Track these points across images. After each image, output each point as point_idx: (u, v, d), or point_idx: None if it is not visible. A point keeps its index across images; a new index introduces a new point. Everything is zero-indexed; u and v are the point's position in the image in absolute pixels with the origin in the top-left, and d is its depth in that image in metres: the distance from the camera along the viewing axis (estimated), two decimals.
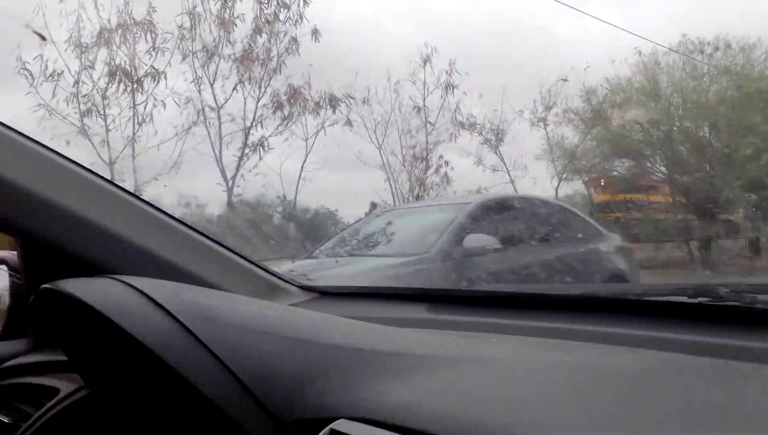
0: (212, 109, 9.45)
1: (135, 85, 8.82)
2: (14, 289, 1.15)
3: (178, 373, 0.52)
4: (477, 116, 11.00)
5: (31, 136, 0.85)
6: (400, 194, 10.59)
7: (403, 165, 10.72)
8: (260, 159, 9.49)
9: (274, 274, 1.02)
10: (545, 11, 11.43)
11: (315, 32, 9.46)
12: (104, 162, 8.81)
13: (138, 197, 0.94)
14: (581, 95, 11.39)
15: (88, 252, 0.84)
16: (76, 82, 8.64)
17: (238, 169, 9.60)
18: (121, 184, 0.93)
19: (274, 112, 9.61)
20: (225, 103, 9.50)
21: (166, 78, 8.98)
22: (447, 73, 10.52)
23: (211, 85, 9.39)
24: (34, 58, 8.35)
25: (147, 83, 8.86)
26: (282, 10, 9.53)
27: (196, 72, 9.26)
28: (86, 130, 8.78)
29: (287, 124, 9.70)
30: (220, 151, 9.62)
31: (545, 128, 11.63)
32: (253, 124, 9.57)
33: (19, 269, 1.08)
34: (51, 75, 8.45)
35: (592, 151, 11.84)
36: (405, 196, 10.54)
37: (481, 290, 1.16)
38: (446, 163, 10.70)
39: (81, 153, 8.41)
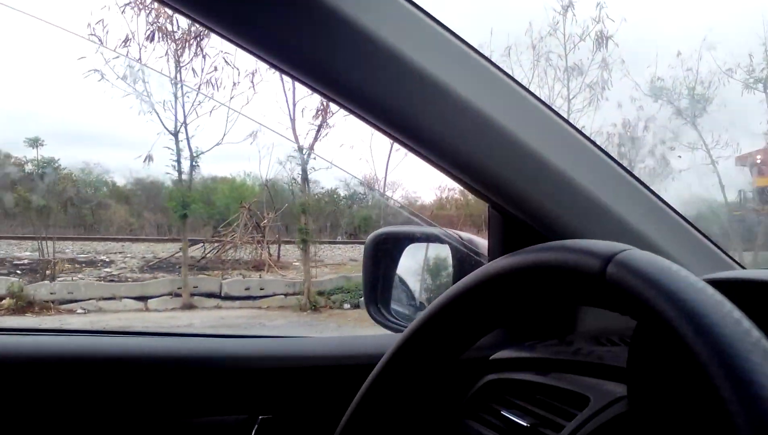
0: None
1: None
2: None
3: None
4: (666, 79, 8.60)
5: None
6: None
7: None
8: None
9: (731, 258, 0.95)
10: None
11: None
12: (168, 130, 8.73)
13: (614, 160, 0.89)
14: None
15: (580, 228, 0.84)
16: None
17: None
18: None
19: None
20: None
21: None
22: (595, 20, 8.36)
23: None
24: (97, 22, 8.07)
25: None
26: None
27: None
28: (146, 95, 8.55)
29: None
30: None
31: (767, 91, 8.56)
32: None
33: (488, 248, 1.01)
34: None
35: None
36: None
37: None
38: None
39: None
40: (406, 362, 0.65)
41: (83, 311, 8.83)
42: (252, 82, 8.34)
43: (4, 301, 8.61)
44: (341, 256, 12.88)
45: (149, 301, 9.30)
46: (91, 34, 8.38)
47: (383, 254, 1.21)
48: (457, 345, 0.63)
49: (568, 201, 0.85)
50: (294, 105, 8.43)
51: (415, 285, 1.28)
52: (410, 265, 1.24)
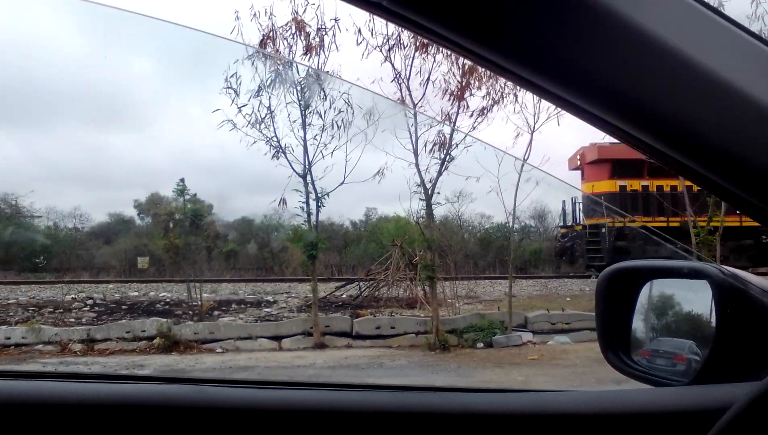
0: None
1: None
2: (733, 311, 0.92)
3: None
4: None
5: None
6: None
7: None
8: None
9: None
10: None
11: None
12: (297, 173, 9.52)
13: None
14: None
15: None
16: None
17: None
18: None
19: None
20: None
21: None
22: (750, 18, 7.80)
23: None
24: (231, 76, 9.29)
25: None
26: None
27: None
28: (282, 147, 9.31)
29: None
30: None
31: None
32: None
33: None
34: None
35: None
36: None
37: None
38: None
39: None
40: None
41: (222, 350, 9.23)
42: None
43: (155, 341, 9.21)
44: (499, 292, 12.72)
45: (283, 340, 9.57)
46: (227, 88, 9.01)
47: (618, 293, 1.08)
48: None
49: None
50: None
51: (662, 327, 1.12)
52: (651, 303, 1.09)
